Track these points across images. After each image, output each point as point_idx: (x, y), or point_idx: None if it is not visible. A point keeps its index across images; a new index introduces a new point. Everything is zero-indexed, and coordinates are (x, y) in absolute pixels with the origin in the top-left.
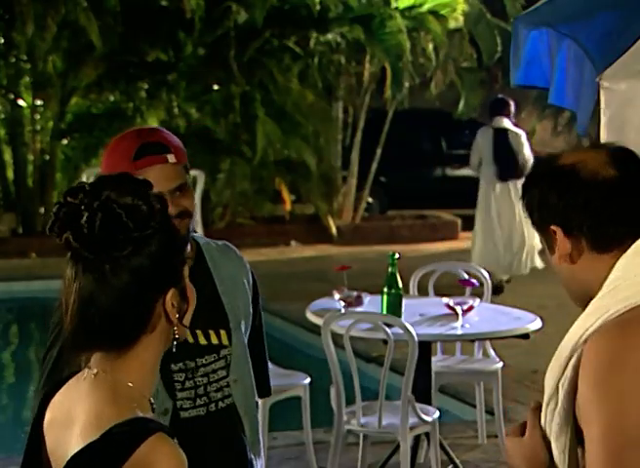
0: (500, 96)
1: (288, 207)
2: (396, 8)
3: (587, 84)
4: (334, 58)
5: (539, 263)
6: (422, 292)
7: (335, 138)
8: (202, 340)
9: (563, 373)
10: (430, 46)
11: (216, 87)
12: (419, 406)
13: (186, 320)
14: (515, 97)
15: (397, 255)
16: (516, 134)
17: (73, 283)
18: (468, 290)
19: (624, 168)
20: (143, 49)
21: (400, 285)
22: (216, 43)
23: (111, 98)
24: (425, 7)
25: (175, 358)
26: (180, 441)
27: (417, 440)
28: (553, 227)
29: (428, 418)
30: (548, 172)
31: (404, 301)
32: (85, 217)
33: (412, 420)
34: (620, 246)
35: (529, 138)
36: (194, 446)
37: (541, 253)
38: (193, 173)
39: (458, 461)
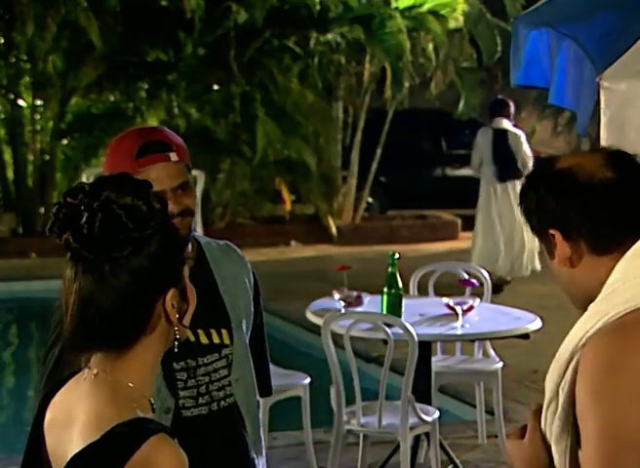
0: (499, 96)
1: (288, 207)
2: (396, 8)
3: (587, 84)
4: (334, 58)
5: (539, 266)
6: (422, 292)
7: (335, 138)
8: (204, 339)
9: (563, 377)
10: (430, 46)
11: (216, 87)
12: (419, 406)
13: (186, 320)
14: (515, 97)
15: (397, 255)
16: (516, 134)
17: (73, 283)
18: (468, 290)
19: (621, 170)
20: (143, 49)
21: (400, 285)
22: (216, 43)
23: (111, 98)
24: (425, 7)
25: (176, 357)
26: (183, 439)
27: (417, 440)
28: (552, 231)
29: (428, 418)
30: (545, 176)
31: (404, 301)
32: (85, 218)
33: (412, 420)
34: (620, 247)
35: (529, 139)
36: (196, 444)
37: (541, 253)
38: (193, 172)
39: (458, 461)
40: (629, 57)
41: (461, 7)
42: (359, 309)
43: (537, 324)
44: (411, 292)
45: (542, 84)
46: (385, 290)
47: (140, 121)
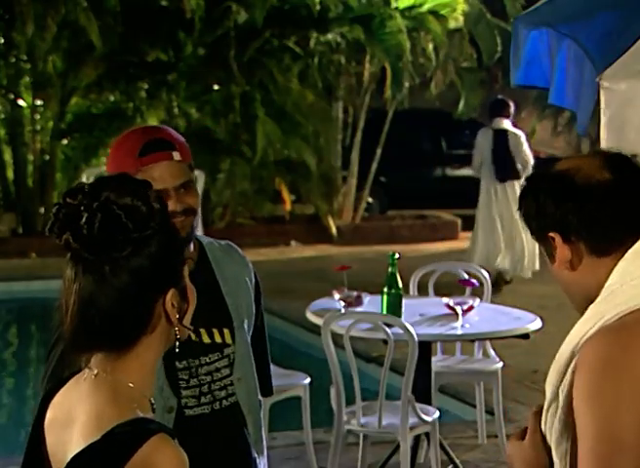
0: (499, 96)
1: (288, 207)
2: (396, 8)
3: (587, 84)
4: (334, 58)
5: (538, 266)
6: (422, 292)
7: (335, 138)
8: (206, 339)
9: (562, 379)
10: (430, 46)
11: (216, 87)
12: (419, 406)
13: (187, 320)
14: (515, 97)
15: (397, 255)
16: (515, 134)
17: (73, 283)
18: (468, 290)
19: (619, 171)
20: (143, 49)
21: (400, 285)
22: (216, 43)
23: (111, 98)
24: (425, 7)
25: (179, 356)
26: (185, 439)
27: (417, 440)
28: (552, 234)
29: (428, 418)
30: (543, 179)
31: (404, 301)
32: (84, 218)
33: (412, 420)
34: (620, 248)
35: (529, 139)
36: (198, 444)
37: (541, 254)
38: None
39: (458, 461)
40: (629, 57)
41: (461, 7)
42: (359, 309)
43: (537, 324)
44: (411, 293)
45: (542, 84)
46: (385, 290)
47: (140, 121)
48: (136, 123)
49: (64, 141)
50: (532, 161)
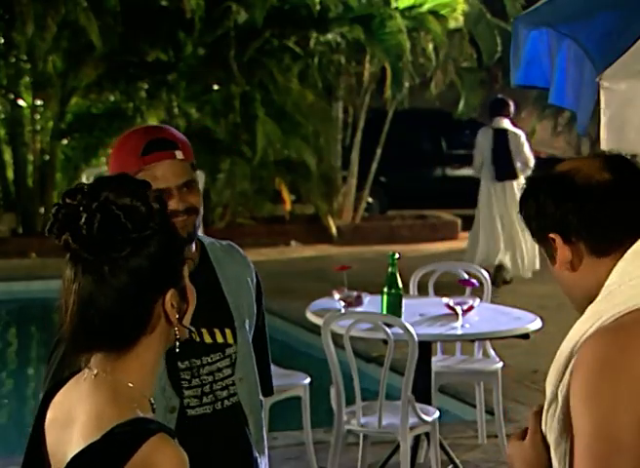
0: (499, 96)
1: (288, 207)
2: (396, 8)
3: (587, 84)
4: (334, 58)
5: (538, 265)
6: (422, 292)
7: (335, 138)
8: (207, 339)
9: (561, 380)
10: (430, 46)
11: (216, 87)
12: (419, 406)
13: (186, 320)
14: (515, 97)
15: (397, 255)
16: (515, 134)
17: (73, 284)
18: (468, 290)
19: (619, 172)
20: (143, 49)
21: (400, 285)
22: (216, 43)
23: (111, 98)
24: (425, 7)
25: (181, 356)
26: (187, 439)
27: (417, 440)
28: (552, 235)
29: (428, 418)
30: (543, 180)
31: (404, 301)
32: (84, 219)
33: (412, 420)
34: (619, 248)
35: (529, 139)
36: (200, 443)
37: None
38: None
39: (458, 461)
40: (629, 57)
41: (461, 7)
42: (359, 309)
43: (537, 324)
44: (411, 293)
45: (542, 84)
46: (385, 290)
47: (140, 121)
48: (136, 123)
49: (64, 141)
50: (533, 160)
